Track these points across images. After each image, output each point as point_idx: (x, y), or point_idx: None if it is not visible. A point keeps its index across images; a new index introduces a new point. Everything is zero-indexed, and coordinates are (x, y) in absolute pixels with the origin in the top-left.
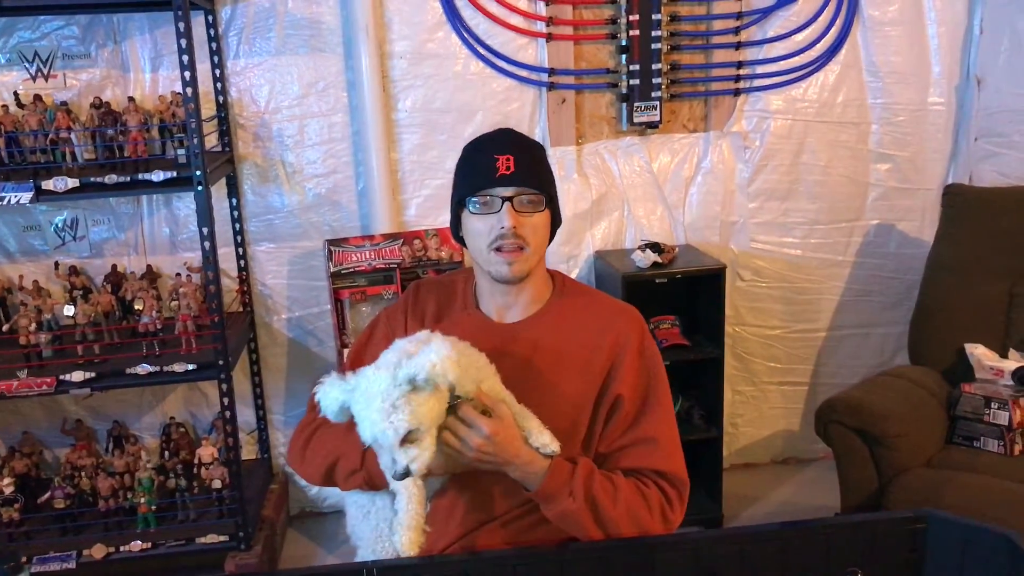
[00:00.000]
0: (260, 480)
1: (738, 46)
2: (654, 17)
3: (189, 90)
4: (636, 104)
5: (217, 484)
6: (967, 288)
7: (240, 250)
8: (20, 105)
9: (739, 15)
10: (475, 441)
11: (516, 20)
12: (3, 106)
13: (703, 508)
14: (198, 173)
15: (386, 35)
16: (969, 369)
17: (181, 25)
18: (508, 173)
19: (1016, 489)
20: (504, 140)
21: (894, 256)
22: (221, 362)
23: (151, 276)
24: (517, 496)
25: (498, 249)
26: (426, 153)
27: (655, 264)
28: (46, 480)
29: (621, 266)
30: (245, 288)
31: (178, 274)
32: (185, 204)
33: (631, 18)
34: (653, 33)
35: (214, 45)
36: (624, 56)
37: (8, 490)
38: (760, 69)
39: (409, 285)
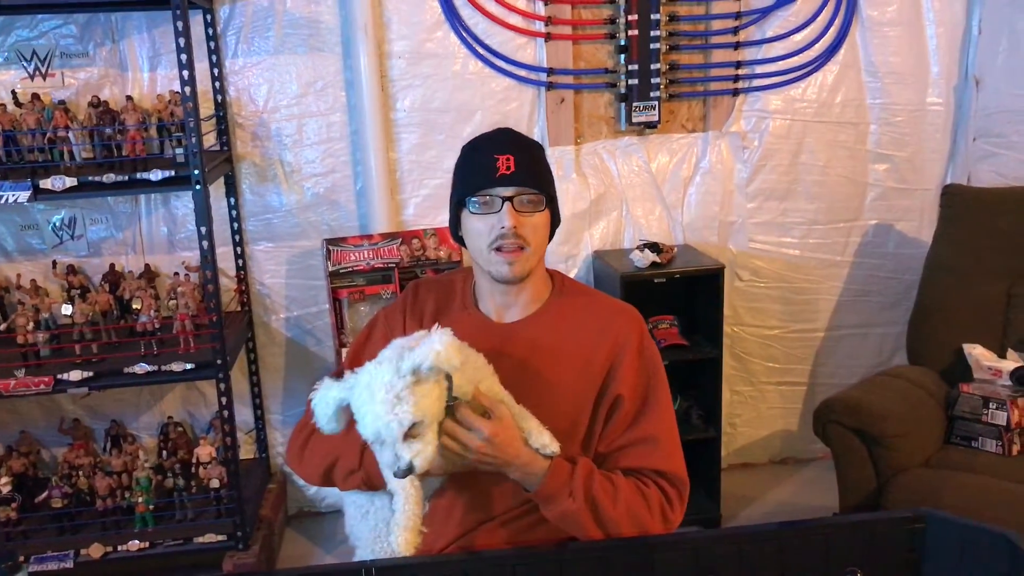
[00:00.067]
0: (258, 480)
1: (737, 46)
2: (653, 17)
3: (187, 89)
4: (635, 104)
5: (215, 484)
6: (965, 288)
7: (238, 249)
8: (18, 104)
9: (738, 15)
10: (475, 444)
11: (515, 19)
12: (1, 105)
13: (701, 508)
14: (196, 172)
15: (385, 34)
16: (967, 369)
17: (179, 24)
18: (508, 173)
19: (1014, 489)
20: (504, 140)
21: (892, 256)
22: (219, 361)
23: (149, 275)
24: (516, 496)
25: (498, 249)
26: (425, 153)
27: (653, 264)
28: (44, 479)
29: (619, 266)
30: (243, 287)
31: (176, 273)
32: (183, 203)
33: (630, 18)
34: (652, 33)
35: (212, 44)
36: (623, 56)
37: (5, 489)
38: (759, 69)
39: (408, 285)
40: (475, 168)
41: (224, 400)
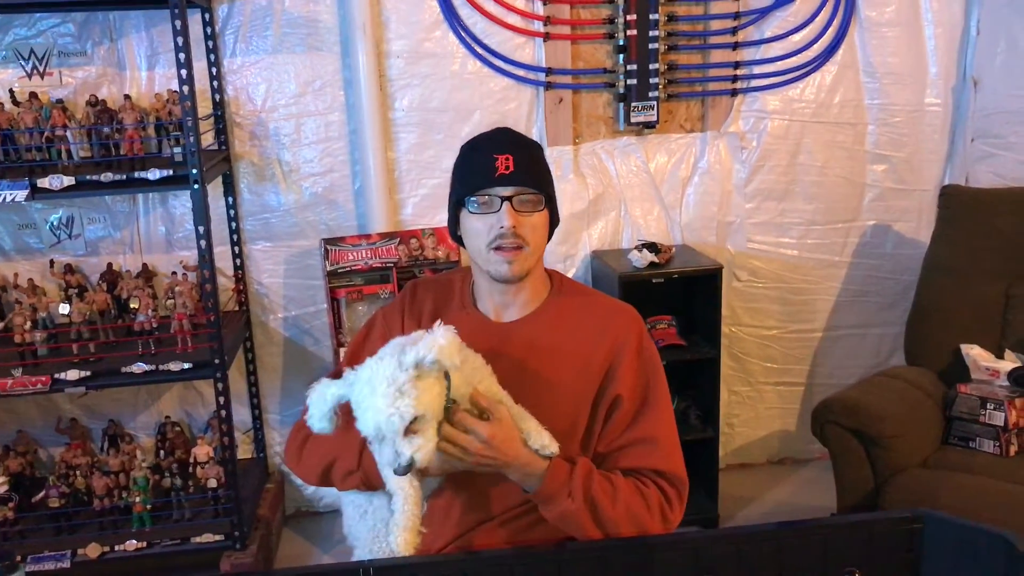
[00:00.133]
0: (256, 479)
1: (735, 46)
2: (651, 17)
3: (185, 88)
4: (633, 104)
5: (213, 483)
6: (963, 289)
7: (236, 249)
8: (16, 103)
9: (736, 15)
10: (474, 447)
11: (513, 19)
12: None
13: (699, 508)
14: (194, 171)
15: (383, 34)
16: (965, 370)
17: (178, 23)
18: (507, 173)
19: (1012, 490)
20: (503, 140)
21: (890, 257)
22: (217, 361)
23: (147, 275)
24: (515, 496)
25: (497, 248)
26: (423, 152)
27: (652, 264)
28: (41, 479)
29: (618, 266)
30: (241, 287)
31: (174, 273)
32: (181, 202)
33: (628, 18)
34: (650, 33)
35: (211, 43)
36: (621, 56)
37: (2, 489)
38: (757, 69)
39: (406, 284)
40: (474, 168)
41: (222, 400)
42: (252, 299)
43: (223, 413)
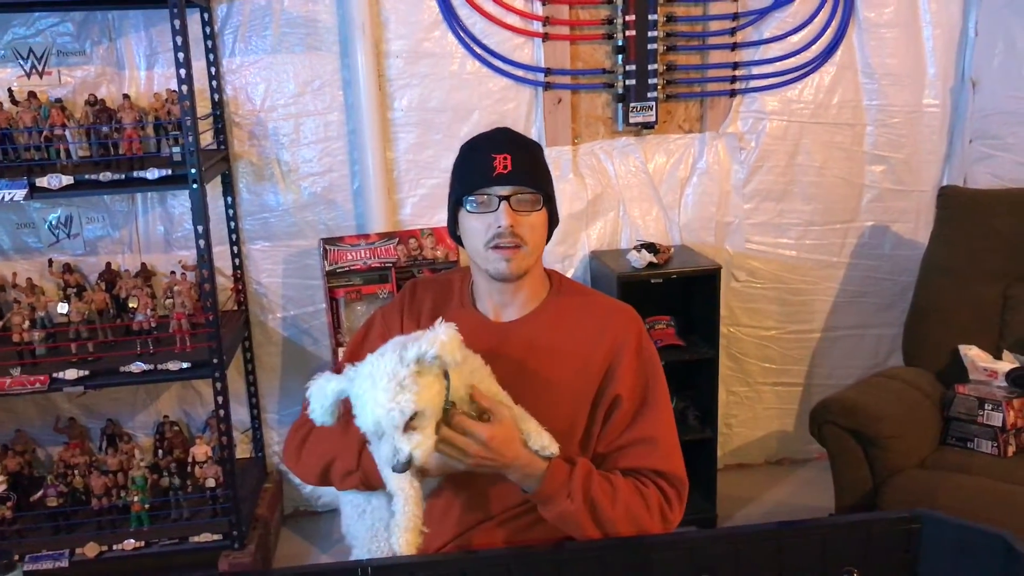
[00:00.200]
0: (254, 479)
1: (734, 47)
2: (650, 17)
3: (184, 88)
4: (632, 104)
5: (211, 483)
6: (961, 290)
7: (235, 248)
8: (14, 102)
9: (735, 16)
10: (472, 449)
11: (512, 19)
12: None
13: (697, 508)
14: (193, 171)
15: (382, 34)
16: (963, 370)
17: (177, 23)
18: (505, 172)
19: (1009, 490)
20: (501, 139)
21: (888, 257)
22: (215, 360)
23: (145, 274)
24: (514, 496)
25: (495, 247)
26: (422, 152)
27: (650, 264)
28: (39, 478)
29: (616, 266)
30: (240, 287)
31: (173, 272)
32: (180, 202)
33: (627, 18)
34: (649, 33)
35: (210, 43)
36: (620, 56)
37: (0, 488)
38: (756, 70)
39: (405, 284)
40: (472, 167)
41: (220, 399)
42: (251, 299)
43: (221, 413)
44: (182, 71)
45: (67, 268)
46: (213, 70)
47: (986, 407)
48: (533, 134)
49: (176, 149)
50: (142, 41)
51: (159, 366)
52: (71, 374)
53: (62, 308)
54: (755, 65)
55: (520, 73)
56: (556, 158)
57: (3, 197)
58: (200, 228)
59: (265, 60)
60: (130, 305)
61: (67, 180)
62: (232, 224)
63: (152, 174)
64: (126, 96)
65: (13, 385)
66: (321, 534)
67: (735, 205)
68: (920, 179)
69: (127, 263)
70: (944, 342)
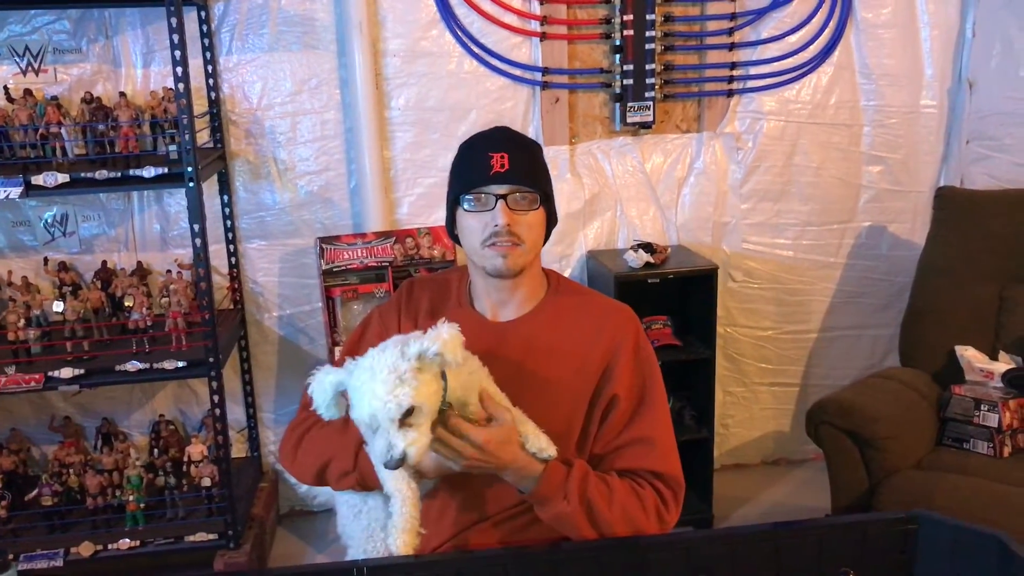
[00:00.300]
0: (250, 478)
1: (732, 47)
2: (648, 17)
3: (181, 86)
4: (629, 104)
5: (206, 482)
6: (958, 290)
7: (231, 247)
8: (10, 99)
9: (733, 16)
10: (468, 452)
11: (510, 19)
12: None
13: (693, 509)
14: (189, 169)
15: (380, 33)
16: (959, 371)
17: (173, 20)
18: (502, 171)
19: (1005, 491)
20: (499, 138)
21: (885, 258)
22: (211, 359)
23: (141, 273)
24: (510, 496)
25: (492, 245)
26: (419, 151)
27: (647, 264)
28: (34, 477)
29: (613, 266)
30: (236, 285)
31: (169, 271)
32: (176, 200)
33: (625, 18)
34: (647, 33)
35: (207, 41)
36: (618, 56)
37: None
38: (753, 70)
39: (403, 283)
40: (470, 166)
41: (216, 398)
42: (247, 298)
43: (217, 412)
44: (179, 69)
45: (63, 266)
46: (210, 68)
47: (982, 408)
48: (530, 133)
49: (172, 147)
50: (139, 39)
51: (155, 365)
52: (66, 373)
53: (57, 306)
54: (753, 65)
55: (518, 72)
56: (553, 158)
57: None
58: (196, 227)
59: (262, 58)
60: (126, 304)
61: (63, 178)
62: (228, 223)
63: (148, 172)
64: (122, 94)
65: (8, 384)
66: (317, 534)
67: (732, 205)
68: (917, 180)
69: (123, 261)
70: (940, 343)
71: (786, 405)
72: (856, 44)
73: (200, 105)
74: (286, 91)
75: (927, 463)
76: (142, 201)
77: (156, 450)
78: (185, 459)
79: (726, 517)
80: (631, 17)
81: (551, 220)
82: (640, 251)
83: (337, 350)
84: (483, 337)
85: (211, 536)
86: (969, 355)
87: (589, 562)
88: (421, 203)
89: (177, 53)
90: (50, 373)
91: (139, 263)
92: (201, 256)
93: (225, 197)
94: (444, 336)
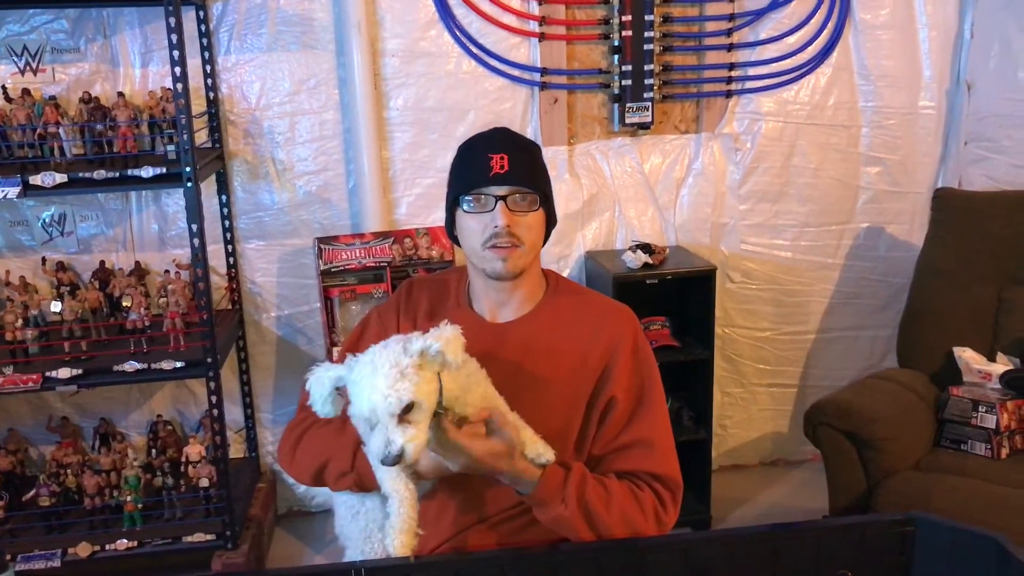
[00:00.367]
0: (248, 479)
1: (730, 48)
2: (647, 18)
3: (179, 86)
4: (628, 105)
5: (204, 482)
6: (956, 292)
7: (229, 247)
8: (8, 99)
9: (731, 17)
10: (461, 462)
11: (509, 19)
12: None
13: (691, 510)
14: (188, 170)
15: (378, 33)
16: (957, 372)
17: (172, 20)
18: (502, 172)
19: (1003, 492)
20: (499, 139)
21: (884, 259)
22: (209, 360)
23: (139, 273)
24: (509, 498)
25: (492, 247)
26: (418, 152)
27: (646, 265)
28: (31, 477)
29: (612, 267)
30: (234, 285)
31: (167, 271)
32: (174, 200)
33: (624, 19)
34: (646, 34)
35: (205, 41)
36: (616, 57)
37: None
38: (752, 71)
39: (401, 283)
40: (469, 167)
41: (214, 399)
42: (245, 298)
43: (215, 412)
44: (177, 69)
45: (60, 266)
46: (208, 68)
47: (980, 409)
48: (529, 134)
49: (171, 147)
50: (137, 39)
51: (153, 365)
52: (64, 373)
53: (55, 306)
54: (751, 66)
55: (516, 73)
56: (552, 158)
57: None
58: (194, 227)
59: (260, 58)
60: (124, 304)
61: (61, 178)
62: (227, 223)
63: (146, 172)
64: (121, 94)
65: (6, 384)
66: (315, 534)
67: (731, 206)
68: (915, 181)
69: (121, 261)
70: (938, 344)
71: (784, 406)
72: (854, 45)
73: (198, 105)
74: (284, 91)
75: (925, 464)
76: (140, 201)
77: (154, 450)
78: (183, 459)
79: (724, 518)
80: (630, 18)
81: (550, 221)
82: (638, 252)
83: (335, 350)
84: (482, 338)
85: (209, 537)
86: (967, 356)
87: (587, 563)
88: (419, 203)
89: (175, 53)
90: (48, 373)
91: (137, 263)
92: (199, 256)
93: (223, 197)
94: (447, 335)
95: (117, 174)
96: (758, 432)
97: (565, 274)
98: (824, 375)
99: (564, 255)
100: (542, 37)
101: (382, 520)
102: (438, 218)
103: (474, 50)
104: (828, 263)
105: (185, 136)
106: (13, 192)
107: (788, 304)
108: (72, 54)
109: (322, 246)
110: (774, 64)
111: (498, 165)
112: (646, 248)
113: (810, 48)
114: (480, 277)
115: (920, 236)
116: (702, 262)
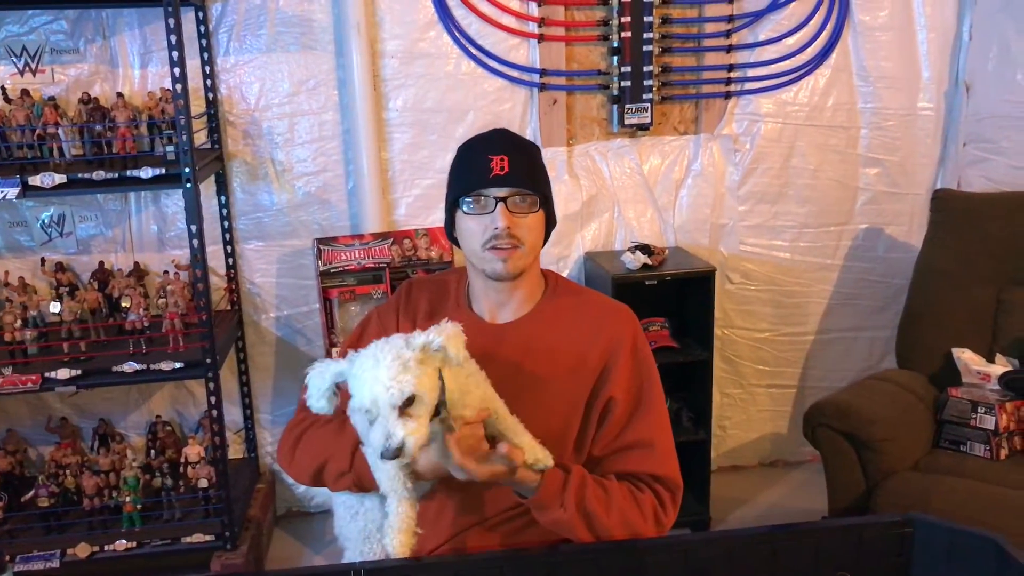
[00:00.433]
0: (247, 479)
1: (729, 49)
2: (646, 19)
3: (179, 86)
4: (627, 106)
5: (203, 483)
6: (955, 293)
7: (228, 248)
8: (7, 100)
9: (730, 18)
10: (461, 477)
11: (508, 20)
12: None
13: (691, 511)
14: (187, 170)
15: (378, 34)
16: (956, 373)
17: (171, 21)
18: (502, 174)
19: (1002, 493)
20: (499, 140)
21: (882, 260)
22: (208, 360)
23: (138, 273)
24: (508, 499)
25: (492, 248)
26: (417, 153)
27: (645, 266)
28: (30, 478)
29: (611, 268)
30: (233, 286)
31: (166, 272)
32: (173, 201)
33: (623, 20)
34: (645, 35)
35: (204, 42)
36: (615, 58)
37: None
38: (751, 72)
39: (401, 284)
40: (469, 168)
41: (213, 399)
42: (244, 298)
43: (214, 413)
44: (176, 70)
45: (59, 267)
46: (207, 69)
47: (979, 410)
48: (528, 135)
49: (170, 148)
50: (136, 39)
51: (152, 366)
52: (63, 373)
53: (54, 307)
54: (750, 67)
55: (515, 74)
56: (551, 159)
57: None
58: (193, 227)
59: (260, 59)
60: (123, 304)
61: (60, 179)
62: (226, 224)
63: (145, 173)
64: (120, 95)
65: (5, 384)
66: (314, 535)
67: (730, 207)
68: (914, 182)
69: (120, 262)
70: (937, 345)
71: (783, 407)
72: (853, 46)
73: (198, 106)
74: (284, 92)
75: (924, 465)
76: (139, 202)
77: (153, 451)
78: (182, 460)
79: (723, 519)
80: (629, 19)
81: (550, 222)
82: (638, 253)
83: (334, 351)
84: (481, 339)
85: (208, 537)
86: (966, 357)
87: (587, 564)
88: (419, 204)
89: (175, 54)
90: (47, 374)
91: (136, 264)
92: (198, 257)
93: (222, 198)
94: (449, 331)
95: (116, 175)
96: (757, 433)
97: (564, 275)
98: (823, 376)
99: (563, 256)
100: (541, 38)
101: (381, 520)
102: (437, 219)
103: (473, 51)
104: (827, 264)
105: (184, 137)
106: (12, 193)
107: (787, 305)
108: (71, 55)
109: (321, 247)
110: (773, 65)
111: (498, 166)
112: (645, 249)
113: (809, 49)
114: (480, 278)
115: (919, 237)
116: (701, 263)
